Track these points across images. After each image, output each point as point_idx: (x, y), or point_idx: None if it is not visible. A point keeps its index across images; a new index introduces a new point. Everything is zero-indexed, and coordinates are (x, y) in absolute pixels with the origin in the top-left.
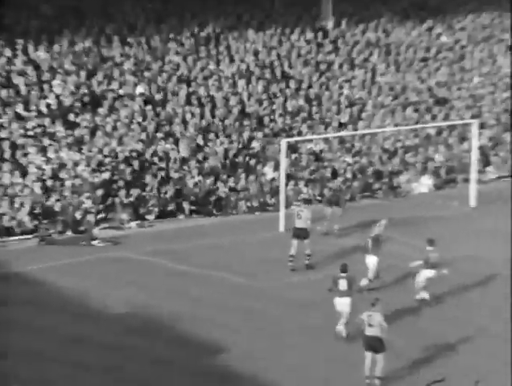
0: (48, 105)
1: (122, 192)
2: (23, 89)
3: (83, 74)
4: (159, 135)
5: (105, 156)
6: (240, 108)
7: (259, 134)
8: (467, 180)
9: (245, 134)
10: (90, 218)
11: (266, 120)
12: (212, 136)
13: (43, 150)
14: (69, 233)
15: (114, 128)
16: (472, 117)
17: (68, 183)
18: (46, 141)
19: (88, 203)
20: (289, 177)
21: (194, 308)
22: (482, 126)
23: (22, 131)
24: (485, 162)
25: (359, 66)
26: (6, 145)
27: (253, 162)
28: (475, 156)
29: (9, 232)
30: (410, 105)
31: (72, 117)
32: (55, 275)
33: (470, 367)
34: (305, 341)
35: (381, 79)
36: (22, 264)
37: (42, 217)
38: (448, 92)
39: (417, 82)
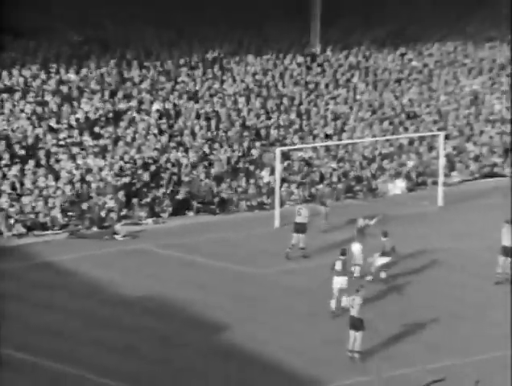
0: (77, 119)
1: (140, 193)
2: (55, 106)
3: (106, 93)
4: (172, 145)
5: (126, 162)
6: (241, 122)
7: (257, 144)
8: (435, 183)
9: (245, 144)
10: (113, 215)
11: (263, 132)
12: (216, 145)
13: (72, 158)
14: (95, 228)
15: (133, 138)
16: (439, 129)
17: (93, 186)
18: (75, 150)
19: (111, 203)
20: (283, 180)
21: (202, 294)
22: (447, 137)
23: (54, 141)
24: (451, 167)
25: (342, 86)
26: (41, 153)
27: (252, 167)
28: (442, 162)
29: (44, 227)
30: (386, 119)
31: (97, 129)
32: (82, 264)
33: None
34: (300, 322)
35: (361, 97)
36: (54, 254)
37: (71, 215)
38: (418, 108)
39: (392, 99)
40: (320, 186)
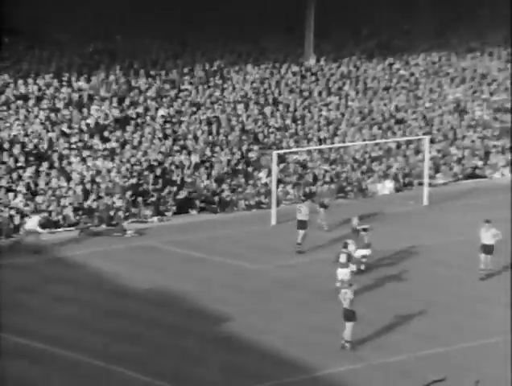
0: (87, 124)
1: (146, 193)
2: (67, 112)
3: (115, 100)
4: (176, 148)
5: (133, 165)
6: (240, 127)
7: (255, 147)
8: (421, 184)
9: (244, 147)
10: (121, 214)
11: (261, 136)
12: (217, 148)
13: (83, 160)
14: (104, 226)
15: (140, 142)
16: (424, 133)
17: (103, 186)
18: (85, 153)
19: (119, 202)
20: (279, 181)
21: (204, 287)
22: (432, 141)
23: (66, 145)
24: (435, 169)
25: (334, 93)
26: (54, 156)
27: (250, 169)
28: (427, 165)
29: (56, 224)
30: (375, 124)
31: (106, 133)
32: (92, 259)
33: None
34: (294, 313)
35: (352, 103)
36: (66, 250)
37: (82, 213)
38: (405, 114)
39: (381, 106)
40: (320, 187)
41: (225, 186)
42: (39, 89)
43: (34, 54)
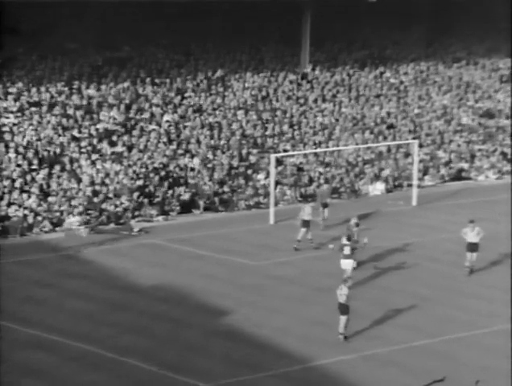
0: (97, 129)
1: (152, 194)
2: (78, 118)
3: (122, 106)
4: (180, 151)
5: (139, 167)
6: (240, 132)
7: (254, 151)
8: (410, 185)
9: (244, 151)
10: (128, 213)
11: (260, 140)
12: (219, 152)
13: (92, 163)
14: (112, 225)
15: (146, 146)
16: (414, 138)
17: (111, 188)
18: (95, 156)
19: (126, 203)
20: (277, 183)
21: (207, 282)
22: (421, 145)
23: (77, 149)
24: (424, 172)
25: (329, 100)
26: (65, 159)
27: (249, 171)
28: (416, 167)
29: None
30: (367, 129)
31: (114, 138)
32: (101, 256)
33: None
34: (291, 307)
35: (345, 110)
36: (77, 247)
37: (92, 212)
38: (395, 120)
39: (372, 112)
40: (320, 188)
41: (226, 187)
42: (51, 96)
43: (46, 63)
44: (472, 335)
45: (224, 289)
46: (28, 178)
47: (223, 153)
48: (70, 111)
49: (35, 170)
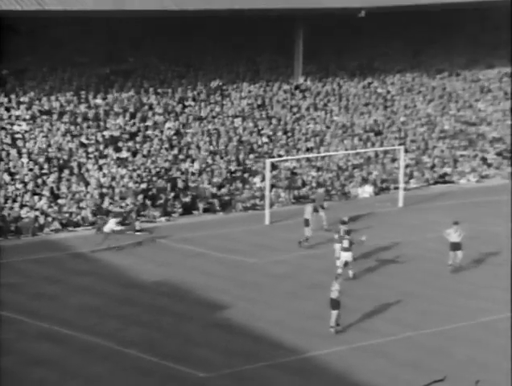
0: (103, 136)
1: (155, 197)
2: (86, 126)
3: (127, 114)
4: (181, 157)
5: (143, 171)
6: (237, 138)
7: (251, 156)
8: (396, 188)
9: (241, 156)
10: (132, 215)
11: (256, 146)
12: (217, 157)
13: (99, 168)
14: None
15: (149, 152)
16: (400, 144)
17: (117, 191)
18: (101, 161)
19: (131, 205)
20: (272, 186)
21: (207, 279)
22: (406, 151)
23: (85, 154)
24: (409, 175)
25: (320, 109)
26: (74, 164)
27: (246, 175)
28: (402, 171)
29: (76, 224)
30: (356, 136)
31: (119, 144)
32: (108, 255)
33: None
34: (287, 302)
35: (336, 118)
36: (84, 246)
37: (99, 214)
38: (382, 127)
39: (361, 120)
40: (318, 191)
41: (224, 190)
42: (61, 105)
43: (56, 74)
44: (455, 328)
45: (223, 285)
46: (39, 181)
47: (221, 158)
48: (78, 119)
49: (45, 174)
